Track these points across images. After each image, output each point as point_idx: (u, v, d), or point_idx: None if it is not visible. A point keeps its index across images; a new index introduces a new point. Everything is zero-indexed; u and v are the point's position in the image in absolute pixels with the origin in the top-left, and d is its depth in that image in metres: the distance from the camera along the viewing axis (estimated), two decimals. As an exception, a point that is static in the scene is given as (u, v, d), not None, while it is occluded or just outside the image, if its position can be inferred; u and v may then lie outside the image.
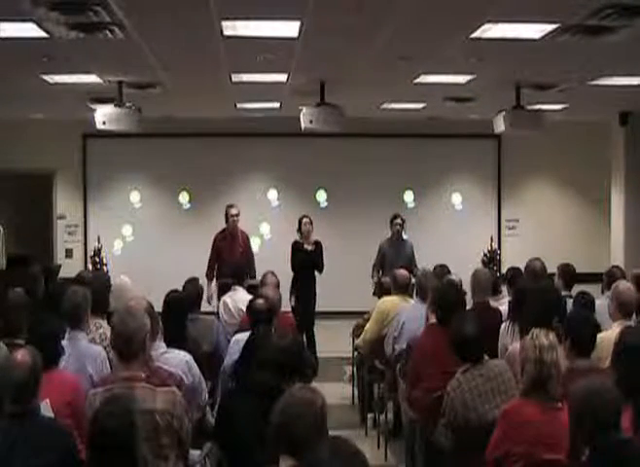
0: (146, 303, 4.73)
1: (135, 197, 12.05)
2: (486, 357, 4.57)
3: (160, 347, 4.68)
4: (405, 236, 9.82)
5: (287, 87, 8.46)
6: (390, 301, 7.08)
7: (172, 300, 5.57)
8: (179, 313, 5.40)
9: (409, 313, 6.48)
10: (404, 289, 7.11)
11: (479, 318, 4.82)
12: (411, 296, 6.96)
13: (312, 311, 9.46)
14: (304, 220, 9.52)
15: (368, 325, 7.17)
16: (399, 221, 9.73)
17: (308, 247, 9.46)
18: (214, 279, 9.37)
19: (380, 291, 7.63)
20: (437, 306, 5.52)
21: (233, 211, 9.64)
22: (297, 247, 9.48)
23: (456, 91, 8.82)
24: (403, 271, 7.48)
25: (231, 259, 9.15)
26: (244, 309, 5.99)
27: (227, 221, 9.70)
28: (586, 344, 4.35)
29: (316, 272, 9.54)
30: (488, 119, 9.04)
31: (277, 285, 7.13)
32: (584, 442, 3.08)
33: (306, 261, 9.41)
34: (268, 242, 11.93)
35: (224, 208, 9.88)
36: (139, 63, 7.14)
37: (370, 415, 7.47)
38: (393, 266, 8.69)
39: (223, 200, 10.88)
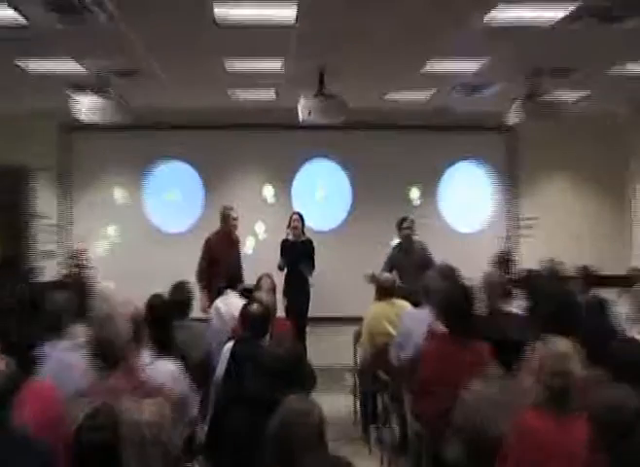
0: (132, 308, 4.74)
1: (121, 194, 12.01)
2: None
3: (145, 357, 4.68)
4: (415, 238, 9.64)
5: (283, 76, 8.46)
6: (375, 308, 7.29)
7: (154, 304, 5.55)
8: (163, 319, 5.36)
9: (415, 319, 6.46)
10: (388, 292, 7.25)
11: (497, 324, 4.84)
12: (398, 297, 7.20)
13: (304, 314, 9.49)
14: (294, 216, 9.94)
15: (362, 339, 7.35)
16: (407, 224, 9.56)
17: (297, 241, 9.78)
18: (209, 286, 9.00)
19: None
20: (444, 313, 5.49)
21: (234, 214, 9.68)
22: (284, 244, 9.83)
23: (467, 80, 8.81)
24: (387, 275, 7.69)
25: (228, 264, 9.12)
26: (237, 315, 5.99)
27: (225, 224, 9.68)
28: (602, 352, 4.36)
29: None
30: (501, 110, 9.02)
31: (273, 289, 7.14)
32: (604, 451, 3.11)
33: (295, 255, 9.60)
34: (264, 242, 11.91)
35: (216, 206, 9.88)
36: (125, 50, 7.14)
37: (373, 428, 7.49)
38: (406, 272, 8.80)
39: (215, 198, 10.86)
